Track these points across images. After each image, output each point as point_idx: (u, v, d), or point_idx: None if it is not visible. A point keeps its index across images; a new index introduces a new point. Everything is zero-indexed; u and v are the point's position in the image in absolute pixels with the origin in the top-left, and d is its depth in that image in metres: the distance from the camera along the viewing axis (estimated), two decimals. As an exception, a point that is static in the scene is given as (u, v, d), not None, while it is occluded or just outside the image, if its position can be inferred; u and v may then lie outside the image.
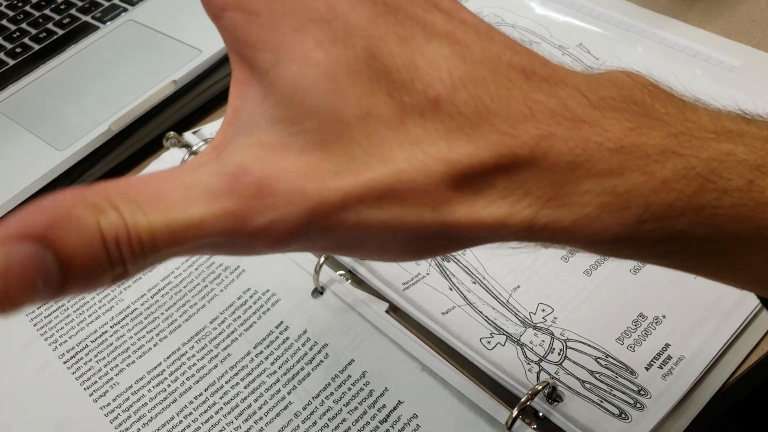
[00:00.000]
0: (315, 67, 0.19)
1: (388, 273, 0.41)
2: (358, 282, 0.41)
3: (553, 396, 0.34)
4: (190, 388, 0.38)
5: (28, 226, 0.17)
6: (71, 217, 0.17)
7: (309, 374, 0.38)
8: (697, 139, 0.19)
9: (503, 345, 0.37)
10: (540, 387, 0.33)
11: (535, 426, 0.34)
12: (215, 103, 0.55)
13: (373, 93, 0.18)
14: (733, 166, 0.19)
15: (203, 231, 0.18)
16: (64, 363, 0.40)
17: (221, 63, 0.54)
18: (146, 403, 0.38)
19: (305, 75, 0.19)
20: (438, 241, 0.19)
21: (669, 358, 0.35)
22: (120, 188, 0.18)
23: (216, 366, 0.39)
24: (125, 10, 0.60)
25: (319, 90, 0.18)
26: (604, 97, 0.19)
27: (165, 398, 0.38)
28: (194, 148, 0.48)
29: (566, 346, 0.36)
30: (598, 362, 0.35)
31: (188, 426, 0.37)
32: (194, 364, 0.39)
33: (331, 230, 0.19)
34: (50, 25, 0.61)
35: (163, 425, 0.37)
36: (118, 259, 0.17)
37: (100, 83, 0.54)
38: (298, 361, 0.38)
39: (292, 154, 0.18)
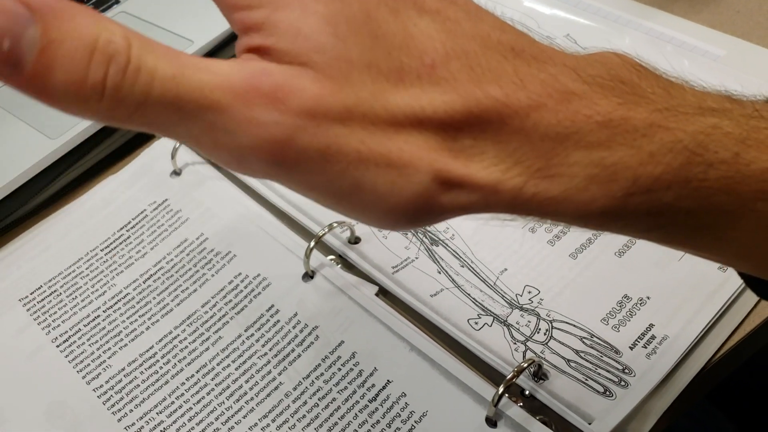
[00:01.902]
0: (315, 15, 0.19)
1: (378, 257, 0.41)
2: (348, 266, 0.42)
3: (539, 374, 0.35)
4: (182, 370, 0.39)
5: None
6: (74, 18, 0.17)
7: (299, 356, 0.38)
8: (683, 115, 0.20)
9: (490, 326, 0.37)
10: (525, 365, 0.34)
11: (521, 404, 0.34)
12: (207, 93, 0.55)
13: (374, 48, 0.19)
14: (719, 139, 0.20)
15: (205, 99, 0.18)
16: (57, 347, 0.41)
17: (212, 53, 0.54)
18: (138, 385, 0.38)
19: (306, 21, 0.19)
20: (430, 198, 0.20)
21: (653, 338, 0.36)
22: (142, 36, 0.18)
23: (207, 348, 0.39)
24: (117, 2, 0.61)
25: (323, 33, 0.19)
26: (593, 74, 0.20)
27: (157, 380, 0.38)
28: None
29: (552, 326, 0.37)
30: (584, 342, 0.36)
31: (180, 407, 0.37)
32: (186, 347, 0.40)
33: (328, 157, 0.19)
34: (43, 17, 0.61)
35: (155, 406, 0.37)
36: (100, 76, 0.17)
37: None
38: (289, 343, 0.39)
39: (308, 78, 0.19)
